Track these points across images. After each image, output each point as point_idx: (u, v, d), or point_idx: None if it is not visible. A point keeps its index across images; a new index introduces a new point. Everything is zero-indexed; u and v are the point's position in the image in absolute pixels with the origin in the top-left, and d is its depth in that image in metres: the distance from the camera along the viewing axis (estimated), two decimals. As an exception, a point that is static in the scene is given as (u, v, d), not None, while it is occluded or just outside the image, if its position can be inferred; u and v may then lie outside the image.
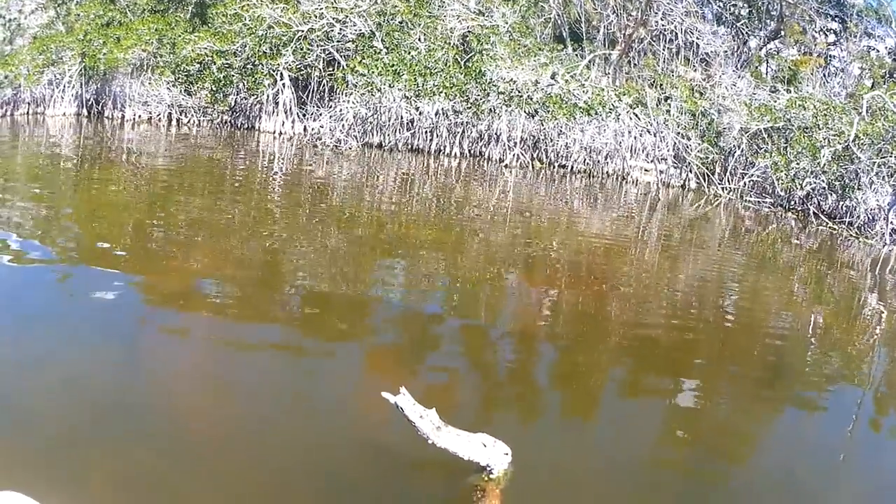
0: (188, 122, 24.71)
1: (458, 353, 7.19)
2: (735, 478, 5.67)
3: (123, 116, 26.18)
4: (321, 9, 22.72)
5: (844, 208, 23.44)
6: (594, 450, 5.64)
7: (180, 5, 26.94)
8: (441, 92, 20.97)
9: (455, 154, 21.51)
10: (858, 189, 23.09)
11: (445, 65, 21.40)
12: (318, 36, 22.58)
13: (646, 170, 22.03)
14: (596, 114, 21.40)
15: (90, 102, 27.59)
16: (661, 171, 22.14)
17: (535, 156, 21.51)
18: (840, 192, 23.50)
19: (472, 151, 21.62)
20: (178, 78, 24.64)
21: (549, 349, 7.81)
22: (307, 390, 5.85)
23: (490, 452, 4.78)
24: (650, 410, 6.54)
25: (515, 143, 20.98)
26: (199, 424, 5.10)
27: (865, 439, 6.66)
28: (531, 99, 21.13)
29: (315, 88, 22.91)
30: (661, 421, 6.39)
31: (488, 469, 4.75)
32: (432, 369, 6.68)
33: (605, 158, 21.56)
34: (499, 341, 7.74)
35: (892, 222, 22.23)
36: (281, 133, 22.99)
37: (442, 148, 21.48)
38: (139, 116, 25.76)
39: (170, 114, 24.95)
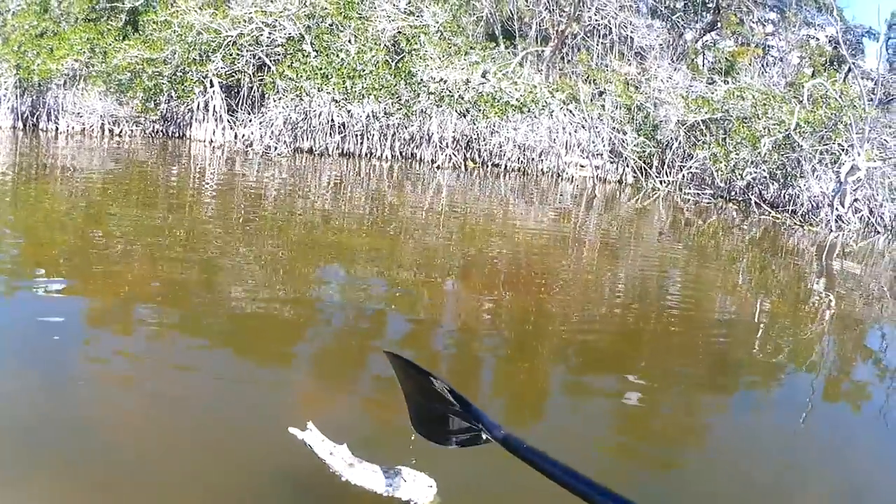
0: (121, 132, 24.01)
1: (390, 368, 6.70)
2: (689, 471, 5.33)
3: (58, 129, 25.42)
4: (250, 13, 22.08)
5: (787, 197, 23.18)
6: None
7: (113, 14, 26.18)
8: (371, 94, 20.42)
9: (387, 157, 20.96)
10: (801, 177, 22.85)
11: (375, 66, 20.84)
12: (247, 41, 21.95)
13: (581, 166, 21.60)
14: (529, 111, 20.93)
15: (25, 115, 26.84)
16: (597, 167, 21.71)
17: (467, 156, 21.01)
18: (782, 180, 23.23)
19: (403, 153, 21.09)
20: (110, 87, 23.94)
21: (487, 355, 7.38)
22: (237, 408, 5.41)
23: (412, 487, 4.29)
24: (593, 414, 6.13)
25: (447, 144, 20.46)
26: (131, 441, 4.79)
27: (819, 425, 6.39)
28: (462, 98, 20.62)
29: (246, 94, 22.29)
30: (606, 425, 6.00)
31: (412, 503, 4.28)
32: (367, 384, 6.22)
33: (540, 156, 21.10)
34: (435, 349, 7.27)
35: (836, 209, 22.01)
36: (212, 141, 22.36)
37: (373, 151, 20.93)
38: (73, 128, 25.02)
39: (103, 124, 24.24)
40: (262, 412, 5.32)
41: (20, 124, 26.83)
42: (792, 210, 22.22)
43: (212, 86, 22.24)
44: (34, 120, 26.59)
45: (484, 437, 3.23)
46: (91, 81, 24.55)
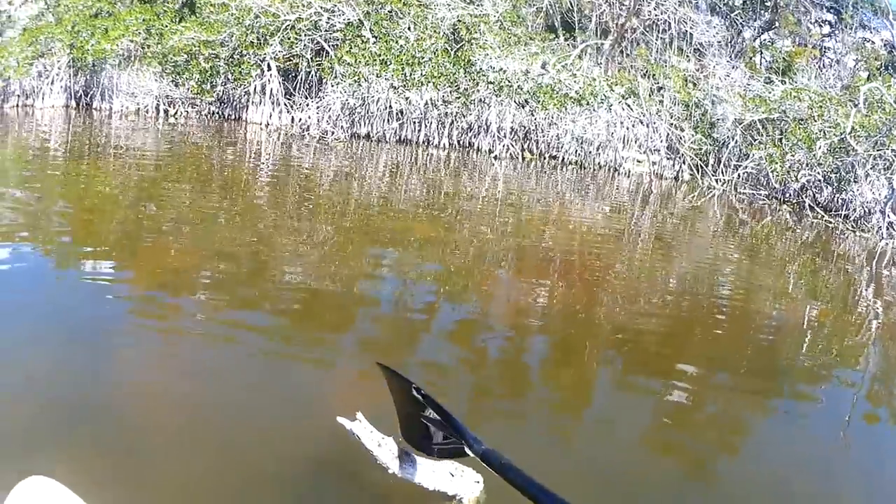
0: (175, 113, 23.98)
1: (442, 355, 6.69)
2: (728, 478, 5.27)
3: (112, 108, 25.44)
4: (309, -2, 21.97)
5: (840, 201, 22.75)
6: (579, 462, 5.13)
7: (169, -5, 26.14)
8: (430, 82, 20.23)
9: (444, 145, 20.77)
10: (854, 182, 22.44)
11: (434, 54, 20.65)
12: (305, 25, 21.81)
13: (638, 161, 21.30)
14: (587, 104, 20.66)
15: (79, 94, 26.87)
16: (654, 163, 21.41)
17: (525, 147, 20.77)
18: (836, 184, 22.81)
19: (461, 142, 20.89)
20: (166, 69, 23.91)
21: (538, 349, 7.33)
22: (285, 387, 5.40)
23: (458, 482, 4.20)
24: (635, 412, 6.07)
25: (505, 134, 20.24)
26: (172, 420, 4.80)
27: (861, 438, 6.27)
28: (521, 89, 20.39)
29: (303, 79, 22.13)
30: (647, 424, 5.93)
31: (458, 499, 4.15)
32: (415, 371, 6.13)
33: (597, 149, 20.82)
34: (485, 341, 7.24)
35: (888, 216, 21.58)
36: (268, 124, 22.25)
37: (431, 139, 20.74)
38: (127, 108, 25.03)
39: (157, 105, 24.23)
40: (309, 397, 5.26)
41: (73, 103, 26.93)
42: (844, 215, 21.83)
43: (269, 69, 22.13)
44: (87, 99, 26.65)
45: (466, 450, 3.15)
46: (146, 62, 24.54)
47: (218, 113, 23.53)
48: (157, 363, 5.60)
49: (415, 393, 3.51)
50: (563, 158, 20.78)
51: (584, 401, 6.30)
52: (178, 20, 25.08)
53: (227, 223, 10.34)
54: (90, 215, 10.43)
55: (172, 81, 23.87)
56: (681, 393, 6.44)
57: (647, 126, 20.95)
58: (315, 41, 21.91)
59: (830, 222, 20.58)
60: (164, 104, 24.22)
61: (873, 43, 27.79)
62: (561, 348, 7.39)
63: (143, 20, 25.20)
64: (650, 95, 21.22)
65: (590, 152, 20.74)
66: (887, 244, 19.80)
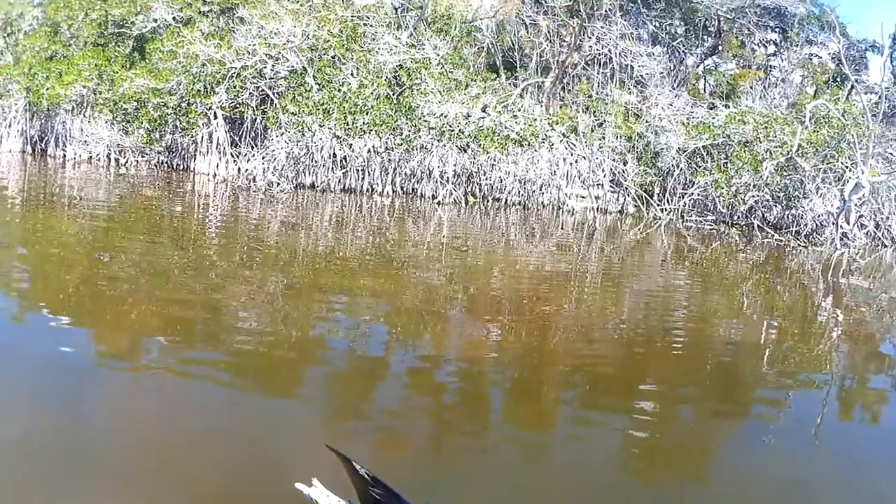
0: (126, 162, 24.07)
1: (399, 398, 6.74)
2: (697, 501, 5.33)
3: (65, 155, 25.57)
4: (254, 45, 22.02)
5: (791, 218, 23.02)
6: (546, 496, 5.19)
7: (120, 39, 26.17)
8: (372, 129, 20.38)
9: (388, 192, 20.95)
10: (804, 197, 22.70)
11: (377, 101, 20.78)
12: (250, 73, 21.89)
13: (582, 197, 21.52)
14: (529, 144, 20.85)
15: (34, 139, 27.00)
16: (598, 198, 21.63)
17: (468, 191, 20.96)
18: (785, 202, 23.08)
19: (404, 189, 21.06)
20: (116, 116, 23.99)
21: (495, 388, 7.37)
22: (242, 446, 5.43)
23: None
24: (601, 445, 6.08)
25: (448, 179, 20.43)
26: (142, 475, 4.85)
27: (829, 448, 6.34)
28: (463, 133, 20.55)
29: (249, 127, 22.27)
30: (614, 455, 5.97)
31: None
32: (375, 415, 6.29)
33: (540, 189, 21.03)
34: (442, 384, 7.24)
35: (841, 227, 21.87)
36: (215, 174, 22.38)
37: (374, 186, 20.92)
38: (79, 156, 25.15)
39: (109, 153, 24.33)
40: (267, 456, 5.24)
41: (29, 149, 27.01)
42: (796, 231, 22.09)
43: (215, 118, 22.23)
44: (42, 145, 26.75)
45: None
46: (98, 109, 24.61)
47: (167, 162, 23.65)
48: (115, 413, 5.64)
49: (360, 471, 3.85)
50: (507, 200, 20.98)
51: (545, 433, 6.27)
52: (128, 66, 25.12)
53: (180, 274, 10.39)
54: (47, 265, 10.50)
55: (122, 129, 23.94)
56: (643, 419, 6.46)
57: (590, 161, 21.14)
58: (260, 89, 22.00)
59: (781, 240, 20.85)
60: (115, 153, 24.31)
61: (820, 58, 27.91)
62: (518, 385, 7.37)
63: (96, 65, 25.23)
64: (592, 131, 21.39)
65: (533, 192, 20.95)
66: (842, 254, 20.12)
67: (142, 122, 23.25)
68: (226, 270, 11.04)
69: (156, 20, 24.32)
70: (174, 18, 24.07)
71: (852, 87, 27.51)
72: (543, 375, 7.72)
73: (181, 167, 23.23)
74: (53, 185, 20.38)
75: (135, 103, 23.38)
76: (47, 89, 25.26)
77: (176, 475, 4.83)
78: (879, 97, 27.69)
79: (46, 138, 26.48)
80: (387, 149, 20.40)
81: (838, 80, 28.26)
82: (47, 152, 26.29)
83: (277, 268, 11.58)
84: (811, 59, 27.54)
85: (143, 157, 23.81)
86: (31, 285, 9.48)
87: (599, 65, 22.33)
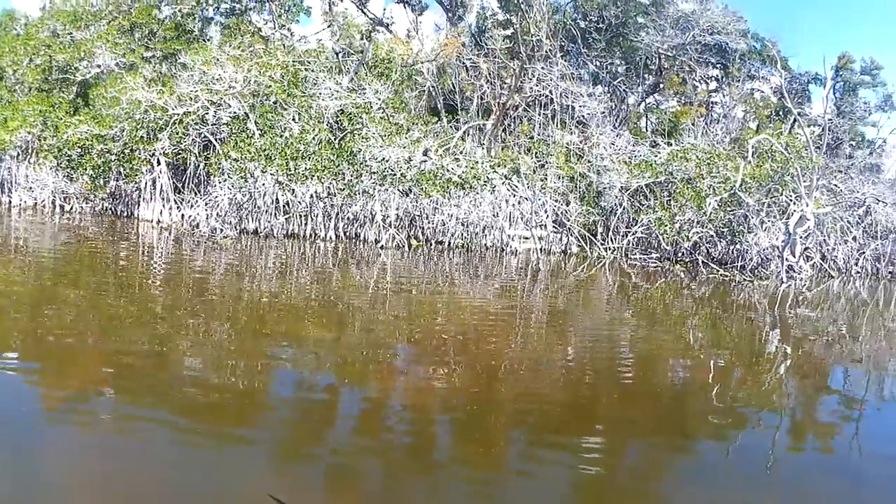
0: (71, 208, 23.90)
1: (348, 443, 6.72)
2: None
3: (10, 202, 25.33)
4: (196, 91, 22.03)
5: (735, 253, 23.29)
6: None
7: (64, 85, 26.08)
8: (314, 175, 20.42)
9: (331, 237, 20.94)
10: (749, 232, 23.00)
11: (318, 146, 20.84)
12: (193, 119, 21.87)
13: (525, 238, 21.65)
14: (471, 187, 20.98)
15: (-21, 186, 26.78)
16: (541, 238, 21.77)
17: (411, 234, 21.02)
18: (729, 237, 23.36)
19: (347, 234, 21.07)
20: (61, 163, 23.81)
21: (443, 430, 7.34)
22: (192, 499, 5.40)
23: None
24: (552, 481, 6.09)
25: (391, 223, 20.47)
26: None
27: (779, 482, 6.35)
28: (404, 177, 20.64)
29: (192, 174, 22.23)
30: (565, 490, 6.00)
31: None
32: (322, 466, 6.25)
33: (483, 231, 21.14)
34: (390, 427, 7.22)
35: (786, 259, 22.18)
36: (159, 221, 22.25)
37: (318, 232, 20.91)
38: (25, 202, 24.92)
39: (54, 200, 24.13)
40: (237, 488, 5.27)
41: (-25, 195, 26.75)
42: (741, 266, 22.35)
43: (158, 164, 22.16)
44: (-13, 192, 26.52)
45: None
46: (43, 155, 24.44)
47: (111, 209, 23.50)
48: (60, 468, 5.58)
49: None
50: (450, 242, 21.05)
51: (495, 472, 6.25)
52: (73, 111, 25.03)
53: (126, 323, 10.24)
54: None
55: (67, 176, 23.78)
56: (592, 456, 6.47)
57: (532, 203, 21.31)
58: (203, 135, 21.98)
59: (726, 275, 21.06)
60: (60, 199, 24.13)
61: (762, 92, 28.45)
62: (466, 426, 7.34)
63: (41, 111, 25.11)
64: (534, 172, 21.58)
65: (476, 234, 21.06)
66: (788, 287, 20.37)
67: (86, 169, 23.11)
68: (171, 319, 10.93)
69: (99, 66, 24.30)
70: (117, 64, 24.08)
71: (795, 120, 28.06)
72: (491, 415, 7.73)
73: (125, 214, 23.09)
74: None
75: (79, 150, 23.25)
76: (-7, 135, 25.10)
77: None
78: (822, 129, 28.31)
79: (-9, 185, 26.25)
80: (329, 194, 20.43)
81: (781, 113, 28.84)
82: (-8, 199, 26.04)
83: (223, 316, 11.47)
84: (753, 94, 28.07)
85: (87, 203, 23.66)
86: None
87: (541, 106, 22.59)
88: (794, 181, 22.52)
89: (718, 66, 26.87)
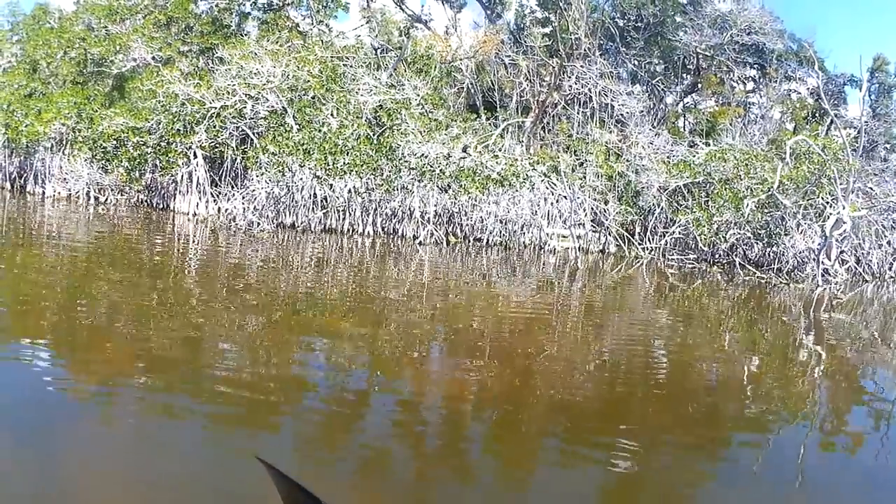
0: (105, 200, 23.88)
1: (381, 440, 6.61)
2: None
3: (44, 193, 25.36)
4: (234, 85, 21.97)
5: (772, 255, 23.01)
6: None
7: (100, 78, 26.10)
8: (352, 170, 20.31)
9: (369, 232, 20.81)
10: (785, 234, 22.74)
11: (357, 141, 20.73)
12: (230, 113, 21.80)
13: (563, 237, 21.45)
14: (510, 184, 20.81)
15: (13, 176, 26.84)
16: (579, 237, 21.56)
17: (449, 231, 20.86)
18: (766, 239, 23.08)
19: (385, 229, 20.94)
20: (96, 154, 23.81)
21: (477, 428, 7.26)
22: (227, 489, 5.30)
23: None
24: (582, 486, 6.00)
25: (429, 219, 20.33)
26: None
27: (811, 488, 6.21)
28: (443, 173, 20.49)
29: (229, 167, 22.14)
30: (598, 491, 5.93)
31: None
32: (357, 454, 6.16)
33: (521, 229, 20.95)
34: (424, 426, 7.12)
35: (822, 263, 21.89)
36: (195, 214, 22.19)
37: (355, 227, 20.78)
38: (59, 193, 24.94)
39: (88, 192, 24.13)
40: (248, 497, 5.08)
41: (8, 185, 26.82)
42: (777, 268, 22.07)
43: (195, 157, 22.10)
44: (21, 182, 26.57)
45: None
46: (77, 147, 24.46)
47: (146, 201, 23.48)
48: (91, 457, 5.55)
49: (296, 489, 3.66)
50: (488, 240, 20.88)
51: (528, 476, 6.16)
52: (108, 104, 25.04)
53: (159, 315, 10.16)
54: (25, 304, 10.27)
55: (102, 168, 23.77)
56: (625, 459, 6.35)
57: (571, 201, 21.13)
58: (240, 129, 21.91)
59: (763, 277, 20.81)
60: (95, 191, 24.12)
61: (799, 93, 28.14)
62: (501, 425, 7.28)
63: (75, 103, 25.13)
64: (573, 170, 21.40)
65: (514, 232, 20.87)
66: (823, 290, 20.11)
67: (121, 161, 23.09)
68: (205, 312, 10.80)
69: (135, 59, 24.27)
70: (153, 58, 24.04)
71: (832, 122, 27.75)
72: (526, 414, 7.63)
73: (161, 206, 23.05)
74: (32, 223, 20.15)
75: (114, 142, 23.24)
76: (26, 126, 25.13)
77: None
78: (858, 131, 27.95)
79: (25, 175, 26.31)
80: (367, 189, 20.30)
81: (817, 115, 28.52)
82: (26, 189, 26.10)
83: (258, 309, 11.28)
84: (790, 95, 27.76)
85: (122, 195, 23.63)
86: (9, 323, 9.24)
87: (579, 104, 22.41)
88: (830, 183, 22.22)
89: (756, 66, 26.59)
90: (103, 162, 23.58)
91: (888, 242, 24.24)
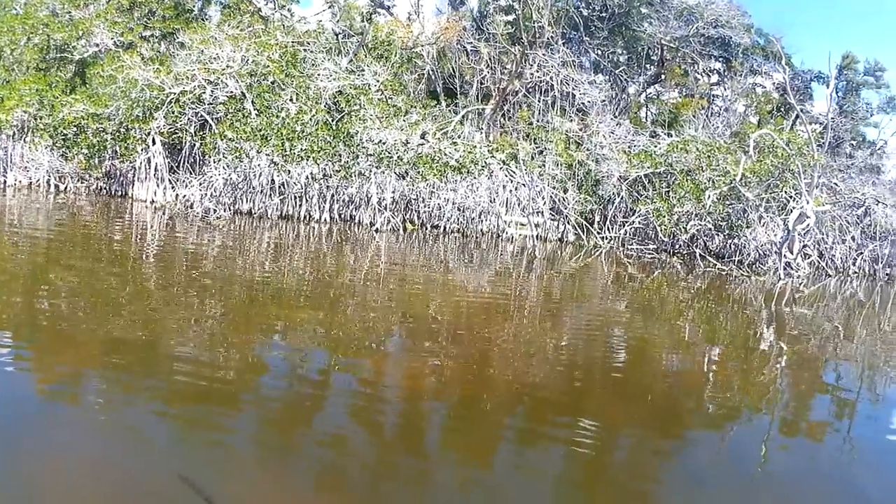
0: (66, 188, 23.53)
1: (341, 427, 6.52)
2: None
3: (6, 181, 24.95)
4: (193, 70, 21.69)
5: (733, 247, 22.91)
6: None
7: (62, 64, 25.75)
8: (310, 156, 20.06)
9: (325, 219, 20.54)
10: (747, 227, 22.64)
11: (315, 127, 20.49)
12: (189, 99, 21.51)
13: (521, 224, 21.26)
14: (468, 172, 20.61)
15: (-25, 165, 26.44)
16: (537, 225, 21.39)
17: (406, 218, 20.65)
18: (727, 231, 22.99)
19: (342, 216, 20.68)
20: (56, 142, 23.46)
21: (436, 415, 7.18)
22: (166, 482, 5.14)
23: None
24: (541, 472, 5.93)
25: (386, 206, 20.10)
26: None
27: (771, 479, 6.14)
28: (401, 160, 20.27)
29: (187, 154, 21.84)
30: (558, 480, 5.82)
31: None
32: (318, 444, 6.08)
33: (479, 216, 20.75)
34: (381, 415, 7.02)
35: (784, 256, 21.79)
36: (153, 201, 21.88)
37: (312, 213, 20.53)
38: (20, 182, 24.54)
39: (49, 180, 23.77)
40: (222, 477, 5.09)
41: (-30, 174, 26.41)
42: (738, 261, 21.96)
43: (154, 144, 21.80)
44: (-17, 171, 26.17)
45: None
46: (39, 134, 24.10)
47: (106, 189, 23.13)
48: (52, 452, 5.38)
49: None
50: (446, 227, 20.66)
51: (486, 463, 6.10)
52: (69, 91, 24.70)
53: (117, 305, 9.94)
54: None
55: (62, 155, 23.42)
56: (584, 449, 6.28)
57: (530, 189, 20.94)
58: (199, 115, 21.63)
59: (723, 269, 20.66)
60: (55, 179, 23.77)
61: (764, 88, 28.07)
62: (459, 412, 7.21)
63: (37, 90, 24.78)
64: (532, 158, 21.21)
65: (472, 219, 20.66)
66: (785, 283, 19.99)
67: (81, 148, 22.75)
68: (163, 300, 10.60)
69: (97, 45, 23.94)
70: (115, 43, 23.73)
71: (797, 117, 27.69)
72: (482, 405, 7.50)
73: (119, 193, 22.71)
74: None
75: (74, 129, 22.90)
76: (-12, 114, 24.78)
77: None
78: (825, 127, 27.91)
79: (-14, 164, 25.91)
80: (325, 175, 20.05)
81: (782, 110, 28.47)
82: (-13, 178, 25.69)
83: (214, 298, 11.07)
84: (755, 89, 27.68)
85: (82, 182, 23.28)
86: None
87: (541, 92, 22.22)
88: (794, 178, 22.13)
89: (721, 59, 26.49)
90: (64, 149, 23.22)
91: (852, 238, 24.18)
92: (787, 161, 22.56)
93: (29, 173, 24.30)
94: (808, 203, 21.56)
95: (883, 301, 19.58)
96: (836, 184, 25.26)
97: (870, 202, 24.41)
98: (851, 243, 23.74)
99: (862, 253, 23.70)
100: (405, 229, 20.44)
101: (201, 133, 21.59)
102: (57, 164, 23.46)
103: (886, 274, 23.39)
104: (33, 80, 25.41)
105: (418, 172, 20.11)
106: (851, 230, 23.92)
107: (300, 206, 20.31)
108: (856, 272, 23.39)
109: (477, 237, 20.86)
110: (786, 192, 22.95)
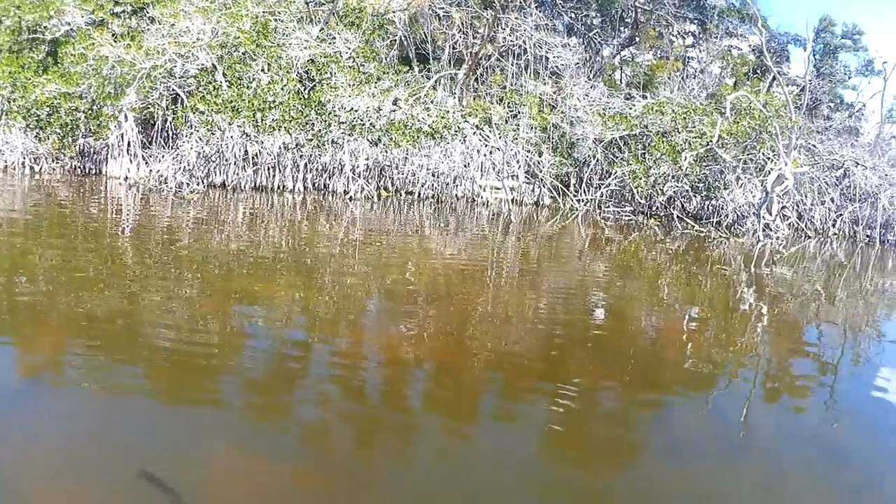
0: (41, 169, 23.21)
1: (323, 393, 6.56)
2: (620, 487, 5.17)
3: (-19, 166, 24.64)
4: (164, 44, 21.35)
5: (711, 209, 22.76)
6: (474, 483, 5.06)
7: (34, 45, 25.37)
8: (282, 126, 19.78)
9: (299, 189, 20.29)
10: (725, 189, 22.47)
11: (287, 97, 20.21)
12: (160, 73, 21.18)
13: (496, 189, 21.03)
14: (441, 137, 20.36)
15: (-51, 151, 26.06)
16: (513, 189, 21.16)
17: (380, 185, 20.41)
18: (705, 193, 22.82)
19: (316, 185, 20.42)
20: (30, 123, 23.14)
21: (418, 378, 7.22)
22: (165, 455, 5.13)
23: None
24: (525, 436, 5.94)
25: (360, 174, 19.85)
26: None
27: (753, 443, 6.12)
28: (374, 127, 20.00)
29: (160, 129, 21.55)
30: (541, 440, 5.88)
31: None
32: (302, 408, 6.16)
33: (454, 182, 20.52)
34: (362, 382, 6.97)
35: (763, 217, 21.63)
36: (127, 177, 21.59)
37: (285, 184, 20.27)
38: (-5, 165, 24.24)
39: (23, 162, 23.44)
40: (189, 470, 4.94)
41: (-58, 160, 26.02)
42: (717, 222, 21.84)
43: (126, 120, 21.49)
44: (-42, 156, 25.80)
45: None
46: (12, 117, 23.77)
47: (80, 167, 22.83)
48: (33, 431, 5.33)
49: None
50: (420, 193, 20.44)
51: (468, 426, 6.11)
52: (41, 71, 24.34)
53: (94, 284, 9.80)
54: None
55: (36, 136, 23.11)
56: (565, 411, 6.26)
57: (504, 153, 20.71)
58: (170, 89, 21.32)
59: (701, 231, 20.52)
60: (30, 160, 23.44)
61: (740, 49, 27.80)
62: (441, 375, 7.21)
63: (10, 73, 24.42)
64: (506, 122, 20.95)
65: (446, 185, 20.44)
66: (764, 245, 19.85)
67: (54, 128, 22.45)
68: (139, 277, 10.47)
69: (69, 23, 23.57)
70: (87, 21, 23.36)
71: (774, 78, 27.45)
72: (463, 370, 7.47)
73: (94, 171, 22.41)
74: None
75: (47, 109, 22.58)
76: (-39, 99, 24.41)
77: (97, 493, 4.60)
78: (802, 89, 27.67)
79: (-40, 149, 25.52)
80: (298, 145, 19.78)
81: (759, 71, 28.22)
82: (-39, 163, 25.33)
83: (191, 272, 10.96)
84: (730, 51, 27.41)
85: (57, 162, 22.97)
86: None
87: (514, 56, 21.94)
88: (772, 139, 21.93)
89: (696, 21, 26.21)
90: (37, 130, 22.90)
91: (831, 199, 24.03)
92: (764, 123, 22.34)
93: (3, 156, 23.95)
94: (786, 165, 21.38)
95: (864, 263, 19.46)
96: (814, 145, 25.04)
97: (849, 164, 24.22)
98: (831, 205, 23.59)
99: (842, 215, 23.53)
100: (379, 196, 20.21)
101: (173, 107, 21.28)
102: (31, 145, 23.11)
103: (867, 235, 23.25)
104: (6, 62, 25.02)
105: (391, 139, 19.85)
106: (830, 192, 23.76)
107: (274, 176, 20.05)
108: (835, 234, 23.25)
109: (452, 203, 20.65)
110: (763, 153, 22.76)
